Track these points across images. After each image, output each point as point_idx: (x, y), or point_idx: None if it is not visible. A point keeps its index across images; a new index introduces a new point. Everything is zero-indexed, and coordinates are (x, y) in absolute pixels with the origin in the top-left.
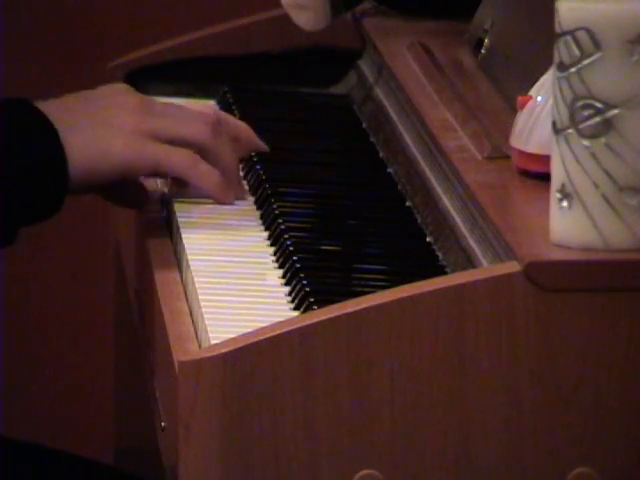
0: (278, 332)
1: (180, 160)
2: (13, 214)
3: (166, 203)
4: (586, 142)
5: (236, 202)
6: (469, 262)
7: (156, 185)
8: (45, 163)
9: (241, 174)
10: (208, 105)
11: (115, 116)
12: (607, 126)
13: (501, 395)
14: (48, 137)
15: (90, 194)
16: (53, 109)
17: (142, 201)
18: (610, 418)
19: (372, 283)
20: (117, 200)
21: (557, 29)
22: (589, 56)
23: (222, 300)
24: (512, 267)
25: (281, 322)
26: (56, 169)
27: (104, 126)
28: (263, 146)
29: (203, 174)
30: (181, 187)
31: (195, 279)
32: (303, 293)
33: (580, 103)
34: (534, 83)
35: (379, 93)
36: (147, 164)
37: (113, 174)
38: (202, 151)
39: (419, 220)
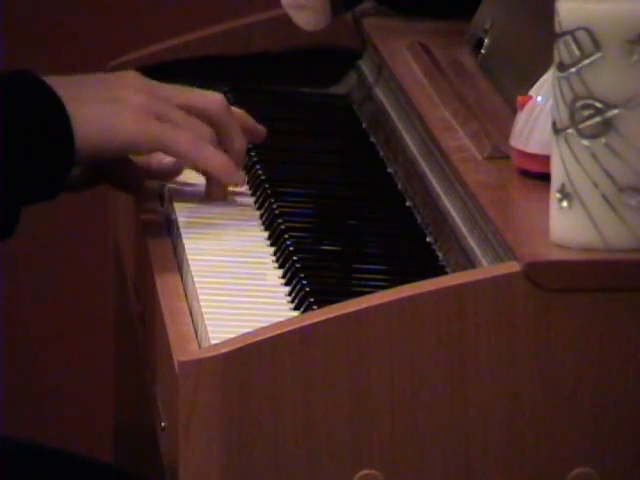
0: (278, 332)
1: (187, 141)
2: (19, 188)
3: (166, 203)
4: (586, 142)
5: (236, 202)
6: (469, 262)
7: (157, 183)
8: (51, 133)
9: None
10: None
11: (123, 93)
12: (607, 126)
13: (501, 395)
14: (54, 108)
15: (91, 186)
16: (60, 83)
17: (140, 184)
18: (610, 418)
19: (372, 283)
20: (116, 181)
21: (557, 29)
22: (589, 56)
23: (222, 300)
24: (512, 267)
25: (281, 322)
26: (62, 140)
27: (112, 101)
28: (262, 130)
29: (207, 156)
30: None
31: (195, 279)
32: (303, 293)
33: (580, 103)
34: (534, 83)
35: (379, 93)
36: (153, 143)
37: (118, 148)
38: (215, 125)
39: (419, 220)
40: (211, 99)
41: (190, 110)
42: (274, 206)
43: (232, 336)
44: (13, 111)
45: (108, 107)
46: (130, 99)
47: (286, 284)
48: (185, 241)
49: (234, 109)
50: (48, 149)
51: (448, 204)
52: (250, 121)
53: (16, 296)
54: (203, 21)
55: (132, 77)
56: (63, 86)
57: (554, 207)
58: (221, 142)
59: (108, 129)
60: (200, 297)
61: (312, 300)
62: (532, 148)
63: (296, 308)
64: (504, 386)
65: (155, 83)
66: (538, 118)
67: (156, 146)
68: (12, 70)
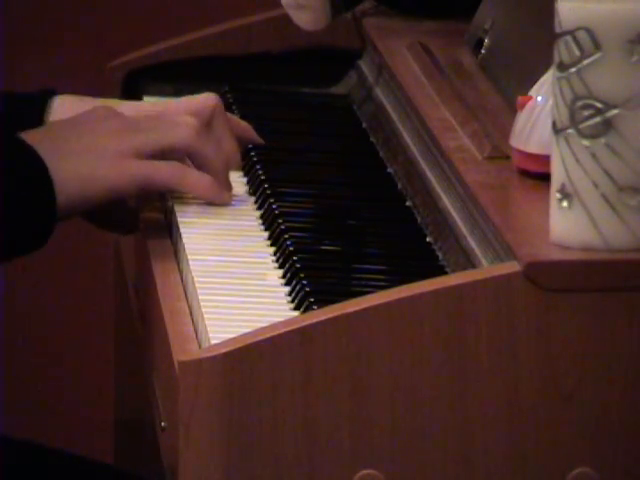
0: (278, 332)
1: (168, 173)
2: (2, 245)
3: (166, 203)
4: (586, 142)
5: (236, 202)
6: (469, 262)
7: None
8: (33, 194)
9: (241, 173)
10: (209, 95)
11: (99, 140)
12: (607, 126)
13: (501, 395)
14: (35, 168)
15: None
16: (38, 139)
17: (129, 225)
18: (610, 418)
19: (372, 283)
20: (105, 225)
21: (557, 29)
22: (589, 56)
23: (222, 300)
24: (512, 267)
25: (281, 322)
26: (45, 200)
27: (89, 152)
28: (261, 143)
29: (194, 182)
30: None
31: (195, 279)
32: (303, 293)
33: (580, 103)
34: (534, 83)
35: (379, 93)
36: (135, 182)
37: (102, 198)
38: (189, 155)
39: (419, 220)
40: (178, 134)
41: (161, 152)
42: (274, 206)
43: (232, 336)
44: None
45: (86, 158)
46: (105, 144)
47: (286, 284)
48: (185, 241)
49: (236, 119)
50: (30, 206)
51: (448, 204)
52: (250, 135)
53: (16, 296)
54: (203, 21)
55: (103, 119)
56: (40, 142)
57: (554, 207)
58: (201, 168)
59: (89, 180)
60: (200, 297)
61: (312, 300)
62: (532, 148)
63: (296, 308)
64: (504, 386)
65: (127, 117)
66: (538, 118)
67: (141, 185)
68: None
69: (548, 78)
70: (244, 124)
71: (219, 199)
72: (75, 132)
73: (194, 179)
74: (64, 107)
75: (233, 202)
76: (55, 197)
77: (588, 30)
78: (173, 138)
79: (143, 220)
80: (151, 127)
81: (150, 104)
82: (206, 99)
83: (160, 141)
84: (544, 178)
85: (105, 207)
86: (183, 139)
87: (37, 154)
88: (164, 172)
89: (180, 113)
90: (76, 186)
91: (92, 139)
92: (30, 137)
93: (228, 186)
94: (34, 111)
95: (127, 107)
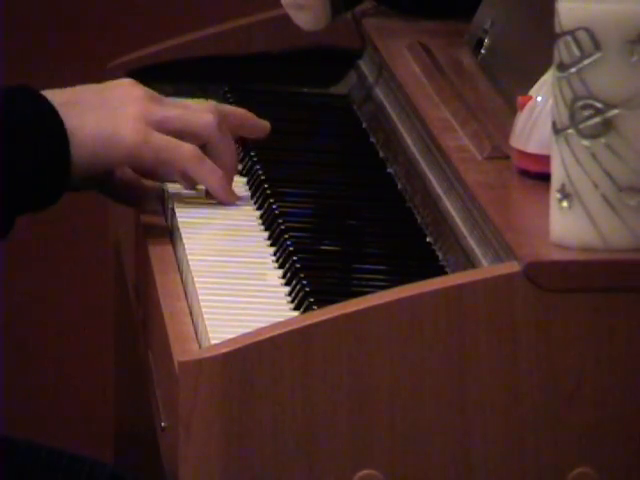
0: (278, 332)
1: (186, 153)
2: (14, 199)
3: (166, 203)
4: (586, 142)
5: (236, 202)
6: (469, 262)
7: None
8: (46, 148)
9: (240, 175)
10: (208, 103)
11: (122, 104)
12: (607, 126)
13: (501, 395)
14: (49, 121)
15: (90, 188)
16: (58, 96)
17: (140, 197)
18: (610, 418)
19: (372, 283)
20: (115, 195)
21: (557, 29)
22: (589, 56)
23: (222, 300)
24: (512, 267)
25: (281, 322)
26: (58, 153)
27: (110, 112)
28: (266, 125)
29: (206, 172)
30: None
31: (195, 279)
32: (303, 293)
33: (580, 103)
34: (534, 83)
35: (379, 93)
36: (151, 154)
37: (117, 160)
38: (208, 143)
39: (419, 220)
40: (202, 120)
41: (181, 133)
42: (274, 206)
43: (232, 336)
44: (11, 124)
45: (107, 118)
46: (129, 110)
47: (286, 284)
48: (185, 241)
49: (232, 108)
50: (44, 161)
51: (448, 204)
52: (250, 118)
53: (16, 296)
54: (203, 21)
55: (130, 86)
56: (62, 99)
57: (554, 207)
58: (214, 161)
59: (107, 140)
60: (200, 297)
61: (312, 300)
62: (532, 148)
63: (296, 308)
64: (504, 386)
65: (153, 92)
66: (538, 118)
67: (159, 157)
68: (13, 85)
69: (548, 78)
70: (241, 111)
71: (224, 196)
72: (98, 95)
73: (209, 170)
74: (53, 95)
75: (233, 202)
76: (69, 151)
77: (588, 30)
78: (198, 121)
79: (143, 220)
80: (176, 105)
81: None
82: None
83: (185, 121)
84: (544, 178)
85: (116, 179)
86: (206, 125)
87: (53, 107)
88: (184, 152)
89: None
90: (92, 144)
91: (115, 102)
92: (50, 93)
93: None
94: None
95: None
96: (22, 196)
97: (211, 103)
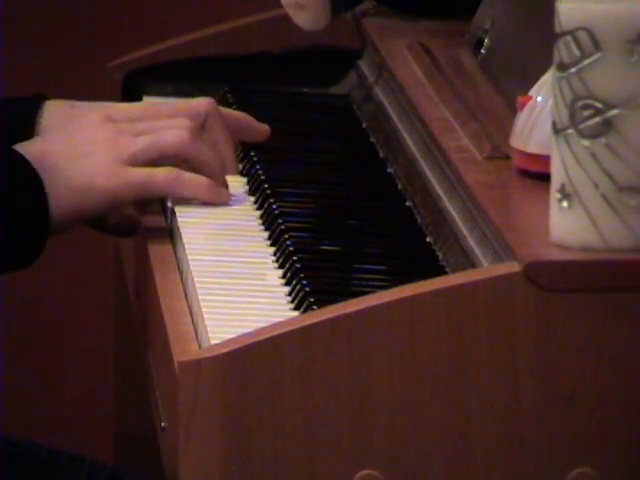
0: (278, 332)
1: (164, 178)
2: None
3: (166, 203)
4: (586, 142)
5: (236, 202)
6: (469, 262)
7: None
8: (26, 208)
9: (240, 175)
10: (206, 99)
11: (92, 148)
12: (607, 126)
13: (501, 395)
14: (28, 181)
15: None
16: (33, 151)
17: (128, 228)
18: (610, 418)
19: (372, 283)
20: (104, 229)
21: (557, 29)
22: (589, 56)
23: (222, 300)
24: (512, 267)
25: (281, 322)
26: (38, 213)
27: (83, 163)
28: (265, 128)
29: (188, 185)
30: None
31: (195, 279)
32: (303, 293)
33: (580, 103)
34: (534, 83)
35: (379, 93)
36: (132, 191)
37: (99, 208)
38: (185, 159)
39: (419, 220)
40: (172, 138)
41: (156, 158)
42: (274, 206)
43: (232, 336)
44: None
45: (80, 170)
46: (97, 153)
47: (286, 284)
48: (185, 241)
49: (231, 112)
50: (23, 220)
51: (448, 204)
52: (250, 122)
53: (16, 296)
54: (203, 21)
55: (94, 123)
56: (33, 153)
57: (554, 207)
58: (197, 171)
59: (85, 191)
60: (200, 297)
61: (312, 300)
62: (532, 148)
63: (296, 308)
64: (504, 386)
65: (120, 121)
66: (538, 118)
67: (138, 193)
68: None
69: (548, 78)
70: (240, 114)
71: (216, 199)
72: (69, 142)
73: (190, 182)
74: (54, 112)
75: (233, 202)
76: (49, 211)
77: (588, 30)
78: (167, 143)
79: (143, 221)
80: (145, 131)
81: (141, 107)
82: (198, 103)
83: (154, 147)
84: (544, 178)
85: (103, 214)
86: (177, 143)
87: (31, 166)
88: (160, 178)
89: (173, 116)
90: (72, 198)
91: (88, 147)
92: (24, 149)
93: (225, 187)
94: (25, 116)
95: (119, 110)
96: (4, 256)
97: (207, 100)
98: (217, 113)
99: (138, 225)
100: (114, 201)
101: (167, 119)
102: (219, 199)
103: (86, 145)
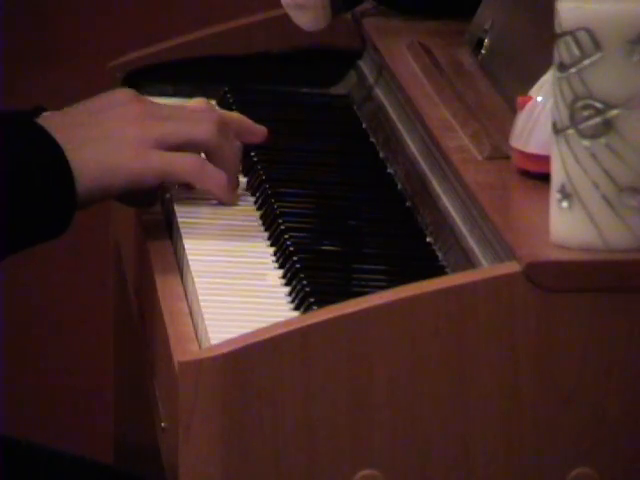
0: (278, 332)
1: (187, 166)
2: (21, 235)
3: (166, 203)
4: (586, 142)
5: (236, 202)
6: (469, 262)
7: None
8: (52, 183)
9: (241, 174)
10: (200, 100)
11: (119, 128)
12: (607, 126)
13: (501, 395)
14: (54, 156)
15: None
16: (56, 125)
17: (151, 201)
18: (610, 418)
19: (372, 283)
20: (126, 201)
21: (557, 29)
22: (589, 56)
23: (222, 300)
24: (512, 267)
25: (281, 322)
26: (64, 189)
27: (109, 140)
28: (263, 130)
29: (210, 177)
30: (186, 190)
31: (195, 279)
32: (303, 293)
33: (580, 103)
34: (534, 83)
35: (379, 93)
36: (155, 174)
37: (121, 187)
38: (208, 151)
39: (419, 220)
40: (201, 128)
41: (182, 145)
42: (274, 206)
43: (232, 336)
44: (13, 163)
45: (107, 148)
46: (126, 135)
47: (286, 284)
48: (185, 241)
49: (228, 114)
50: (49, 196)
51: (448, 204)
52: (247, 123)
53: (16, 296)
54: (203, 21)
55: (125, 104)
56: (61, 129)
57: (554, 207)
58: (216, 165)
59: (109, 171)
60: (200, 297)
61: (312, 300)
62: (532, 148)
63: (296, 308)
64: (504, 386)
65: (149, 104)
66: (538, 118)
67: (160, 177)
68: (10, 113)
69: (548, 78)
70: (236, 116)
71: (228, 199)
72: (94, 118)
73: (212, 175)
74: (51, 125)
75: (233, 202)
76: (75, 186)
77: (588, 30)
78: (196, 132)
79: (143, 220)
80: (173, 117)
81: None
82: (203, 123)
83: (183, 133)
84: (544, 178)
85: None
86: (206, 133)
87: (56, 142)
88: (185, 165)
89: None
90: (95, 175)
91: (112, 126)
92: (48, 123)
93: (237, 187)
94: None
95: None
96: (28, 231)
97: (202, 101)
98: (226, 128)
99: (156, 196)
100: (138, 181)
101: (196, 112)
102: (230, 199)
103: (113, 123)
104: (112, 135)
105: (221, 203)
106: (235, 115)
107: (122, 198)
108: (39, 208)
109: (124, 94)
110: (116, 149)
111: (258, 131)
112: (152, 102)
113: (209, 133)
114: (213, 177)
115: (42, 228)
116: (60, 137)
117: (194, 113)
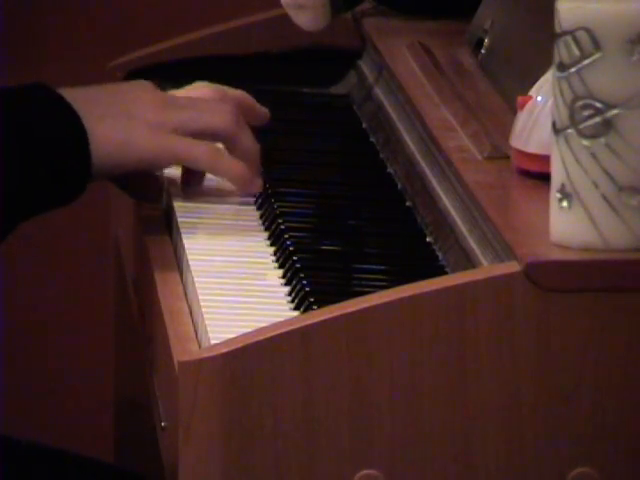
0: (278, 332)
1: (203, 153)
2: (34, 199)
3: (166, 202)
4: (586, 142)
5: (236, 202)
6: (469, 262)
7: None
8: (68, 149)
9: None
10: (202, 84)
11: (139, 109)
12: (607, 126)
13: (501, 395)
14: (70, 124)
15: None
16: (77, 97)
17: (156, 195)
18: (610, 418)
19: (372, 283)
20: (131, 192)
21: (557, 29)
22: (589, 56)
23: (222, 300)
24: (512, 267)
25: (281, 322)
26: (80, 156)
27: (128, 118)
28: (265, 111)
29: (227, 167)
30: (186, 189)
31: (195, 279)
32: (303, 293)
33: (580, 103)
34: (534, 83)
35: (379, 93)
36: (169, 157)
37: (135, 165)
38: (226, 140)
39: (419, 220)
40: (220, 117)
41: (199, 133)
42: (274, 206)
43: (232, 336)
44: (30, 125)
45: (125, 124)
46: (146, 116)
47: (286, 284)
48: (185, 241)
49: (232, 91)
50: (64, 164)
51: (448, 204)
52: (249, 101)
53: (16, 295)
54: (203, 21)
55: (146, 90)
56: (79, 101)
57: (554, 207)
58: (234, 155)
59: (125, 146)
60: (200, 297)
61: (312, 300)
62: (532, 148)
63: (296, 308)
64: (504, 386)
65: (169, 94)
66: (538, 118)
67: (175, 160)
68: (29, 83)
69: (548, 78)
70: (241, 94)
71: (249, 188)
72: (115, 98)
73: (229, 164)
74: (71, 96)
75: (233, 202)
76: (90, 154)
77: (588, 30)
78: (215, 121)
79: (143, 220)
80: (193, 106)
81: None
82: (223, 113)
83: (201, 122)
84: (544, 178)
85: (137, 176)
86: (223, 123)
87: (75, 111)
88: (202, 152)
89: (219, 101)
90: (111, 149)
91: (132, 107)
92: (68, 94)
93: (259, 176)
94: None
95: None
96: (41, 197)
97: (205, 85)
98: (243, 118)
99: (162, 191)
100: (150, 163)
101: (212, 102)
102: (251, 189)
103: (131, 104)
104: (132, 115)
105: (218, 201)
106: (239, 93)
107: (128, 187)
108: (54, 173)
109: (144, 83)
110: (135, 127)
111: (259, 111)
112: (170, 94)
113: (227, 122)
114: (229, 167)
115: (55, 193)
116: (79, 108)
117: (211, 103)
